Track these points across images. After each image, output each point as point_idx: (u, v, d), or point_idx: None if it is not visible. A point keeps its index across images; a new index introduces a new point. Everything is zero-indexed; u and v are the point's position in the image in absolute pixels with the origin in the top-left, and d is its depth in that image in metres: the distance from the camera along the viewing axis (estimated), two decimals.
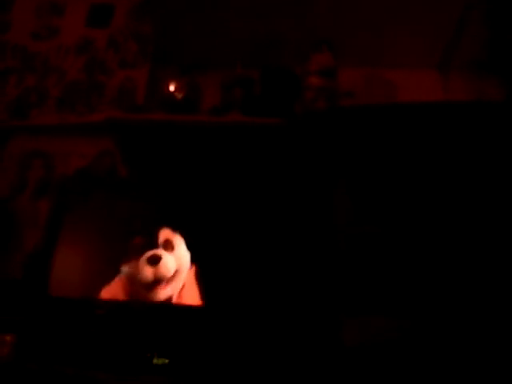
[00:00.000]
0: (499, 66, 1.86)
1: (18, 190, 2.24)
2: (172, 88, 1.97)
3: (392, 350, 1.39)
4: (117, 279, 1.64)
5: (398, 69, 2.14)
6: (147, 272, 1.60)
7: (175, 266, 1.62)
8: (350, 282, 1.50)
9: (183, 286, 1.62)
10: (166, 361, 1.48)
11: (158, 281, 1.60)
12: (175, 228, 1.65)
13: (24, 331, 1.59)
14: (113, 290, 1.63)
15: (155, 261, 1.62)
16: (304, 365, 1.43)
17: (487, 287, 1.42)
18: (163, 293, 1.59)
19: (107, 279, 1.62)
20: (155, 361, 1.48)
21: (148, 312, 1.56)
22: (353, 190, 1.61)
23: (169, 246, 1.65)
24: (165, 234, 1.67)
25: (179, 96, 1.96)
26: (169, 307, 1.57)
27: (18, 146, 2.31)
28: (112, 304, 1.59)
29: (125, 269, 1.63)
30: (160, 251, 1.64)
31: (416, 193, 1.55)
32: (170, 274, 1.61)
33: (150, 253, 1.63)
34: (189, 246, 1.64)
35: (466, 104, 1.63)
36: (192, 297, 1.60)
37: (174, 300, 1.60)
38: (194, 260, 1.63)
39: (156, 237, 1.66)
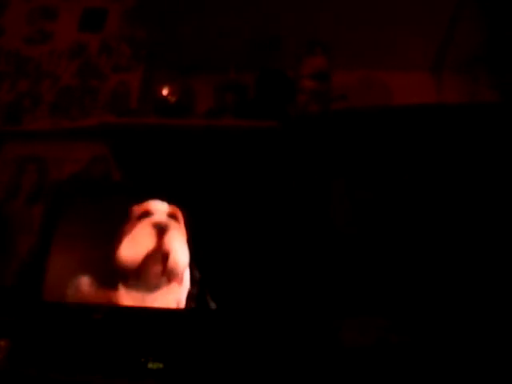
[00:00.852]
0: (493, 65, 1.86)
1: (12, 194, 2.23)
2: (165, 92, 1.96)
3: (390, 350, 1.39)
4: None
5: (391, 71, 2.15)
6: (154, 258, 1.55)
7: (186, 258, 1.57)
8: (348, 283, 1.50)
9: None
10: (161, 365, 1.47)
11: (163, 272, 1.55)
12: None
13: (18, 337, 1.59)
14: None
15: (161, 229, 1.57)
16: (303, 366, 1.43)
17: (486, 288, 1.43)
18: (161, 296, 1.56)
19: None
20: (150, 365, 1.47)
21: (143, 316, 1.56)
22: (351, 191, 1.61)
23: (174, 218, 1.61)
24: (170, 207, 1.63)
25: (172, 100, 1.95)
26: (164, 311, 1.56)
27: (12, 151, 2.30)
28: (107, 309, 1.58)
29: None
30: (167, 220, 1.59)
31: (412, 194, 1.56)
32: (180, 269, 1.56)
33: (154, 218, 1.59)
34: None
35: (460, 106, 1.63)
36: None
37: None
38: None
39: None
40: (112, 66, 2.38)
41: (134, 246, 1.56)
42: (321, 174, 1.66)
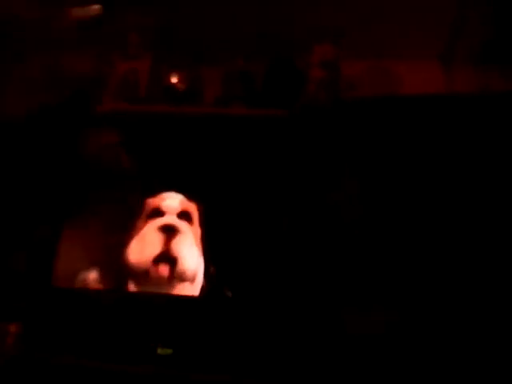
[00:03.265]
0: (504, 55, 1.85)
1: None
2: (174, 79, 1.97)
3: (391, 338, 1.40)
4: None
5: (401, 60, 2.14)
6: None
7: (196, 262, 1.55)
8: (354, 272, 1.50)
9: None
10: (170, 351, 1.48)
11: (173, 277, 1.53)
12: None
13: (28, 323, 1.60)
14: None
15: (170, 232, 1.54)
16: (306, 353, 1.44)
17: (488, 286, 1.43)
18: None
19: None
20: (159, 351, 1.48)
21: (152, 303, 1.56)
22: (359, 180, 1.61)
23: (186, 216, 1.58)
24: (183, 203, 1.60)
25: (182, 87, 1.96)
26: (174, 297, 1.57)
27: None
28: (117, 295, 1.60)
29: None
30: (177, 221, 1.56)
31: (420, 185, 1.56)
32: (188, 273, 1.54)
33: (162, 220, 1.56)
34: None
35: (471, 95, 1.63)
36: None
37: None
38: None
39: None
40: (121, 54, 2.38)
41: (141, 248, 1.54)
42: (329, 162, 1.66)
